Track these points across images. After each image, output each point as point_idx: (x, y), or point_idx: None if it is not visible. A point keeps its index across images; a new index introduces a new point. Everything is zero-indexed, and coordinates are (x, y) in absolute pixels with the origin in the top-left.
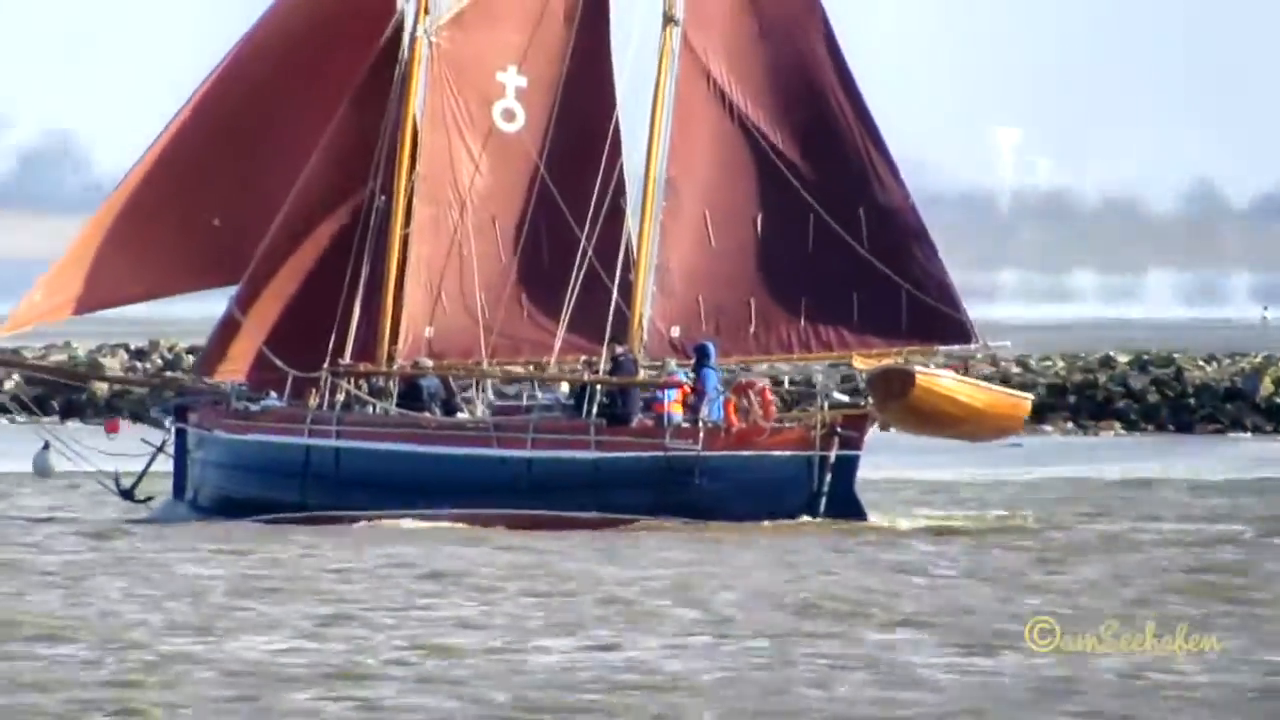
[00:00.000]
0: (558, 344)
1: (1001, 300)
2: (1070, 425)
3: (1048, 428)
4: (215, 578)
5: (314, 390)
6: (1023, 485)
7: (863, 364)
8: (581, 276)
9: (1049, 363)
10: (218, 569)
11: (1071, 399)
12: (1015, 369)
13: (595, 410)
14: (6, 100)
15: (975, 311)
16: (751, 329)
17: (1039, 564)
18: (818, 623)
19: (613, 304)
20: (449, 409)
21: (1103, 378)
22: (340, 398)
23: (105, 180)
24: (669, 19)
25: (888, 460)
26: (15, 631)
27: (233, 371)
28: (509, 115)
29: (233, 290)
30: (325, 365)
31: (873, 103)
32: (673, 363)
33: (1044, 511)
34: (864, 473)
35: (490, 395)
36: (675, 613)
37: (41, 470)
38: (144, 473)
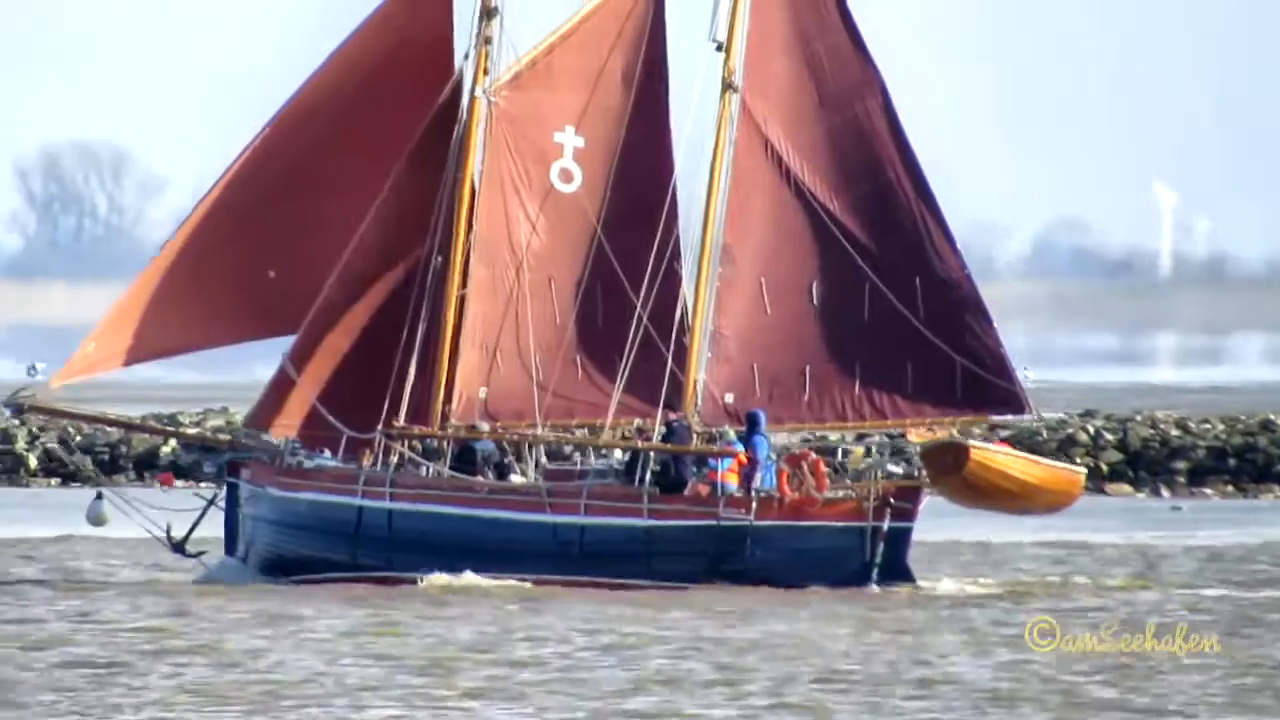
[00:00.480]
0: (613, 406)
1: (1159, 363)
2: (1230, 489)
3: (1208, 490)
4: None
5: (368, 449)
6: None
7: (917, 438)
8: (637, 340)
9: (1208, 425)
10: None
11: (1231, 462)
12: (1174, 431)
13: (648, 477)
14: (165, 160)
15: (1134, 374)
16: (805, 396)
17: None
18: None
19: (668, 368)
20: (502, 472)
21: (1263, 441)
22: (394, 458)
23: None
24: (728, 85)
25: (1060, 522)
26: None
27: (285, 428)
28: (566, 176)
29: (285, 341)
30: (380, 426)
31: (1025, 160)
32: (730, 430)
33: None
34: (1049, 535)
35: (543, 458)
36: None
37: (95, 520)
38: (194, 526)
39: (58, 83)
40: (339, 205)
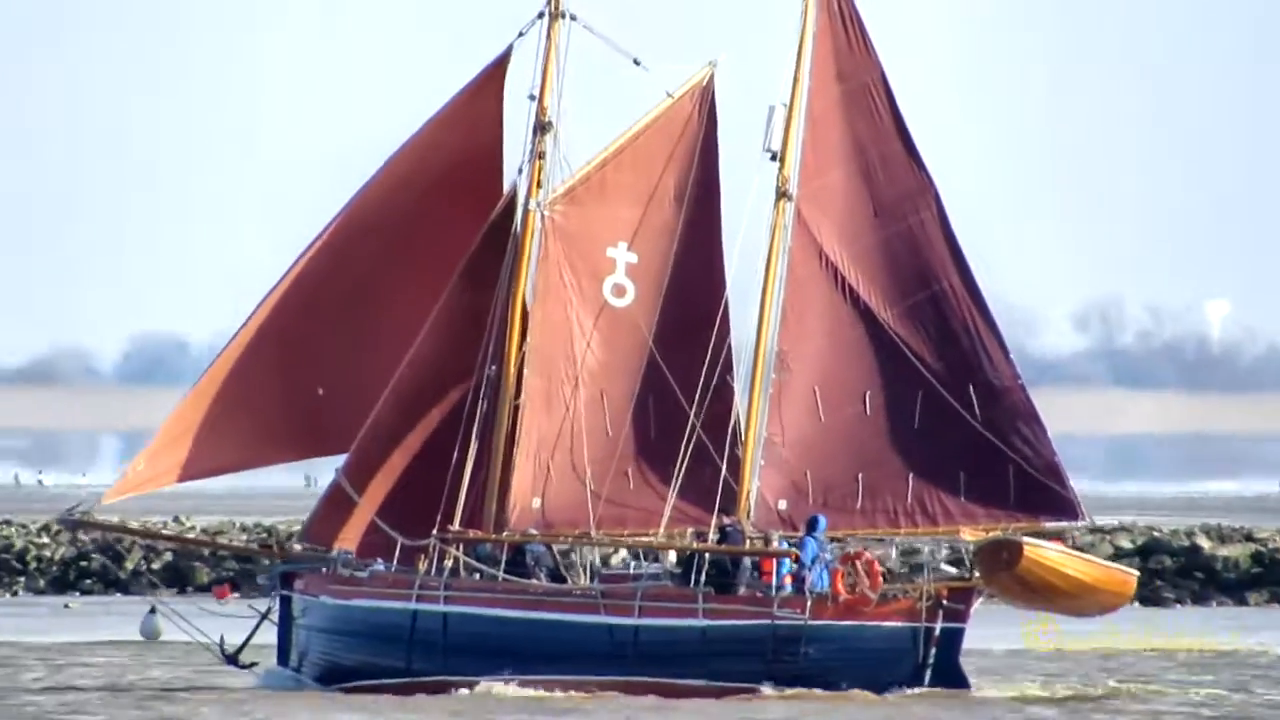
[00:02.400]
0: (667, 512)
1: None
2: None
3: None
4: None
5: (422, 557)
6: None
7: (971, 535)
8: (690, 449)
9: None
10: None
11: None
12: None
13: (703, 579)
14: None
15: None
16: (858, 503)
17: None
18: None
19: (721, 479)
20: (555, 577)
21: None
22: (448, 564)
23: None
24: (782, 194)
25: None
26: None
27: (340, 540)
28: (619, 290)
29: (336, 460)
30: (434, 532)
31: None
32: (776, 535)
33: None
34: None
35: (598, 562)
36: None
37: (148, 633)
38: (249, 638)
39: None
40: (388, 323)
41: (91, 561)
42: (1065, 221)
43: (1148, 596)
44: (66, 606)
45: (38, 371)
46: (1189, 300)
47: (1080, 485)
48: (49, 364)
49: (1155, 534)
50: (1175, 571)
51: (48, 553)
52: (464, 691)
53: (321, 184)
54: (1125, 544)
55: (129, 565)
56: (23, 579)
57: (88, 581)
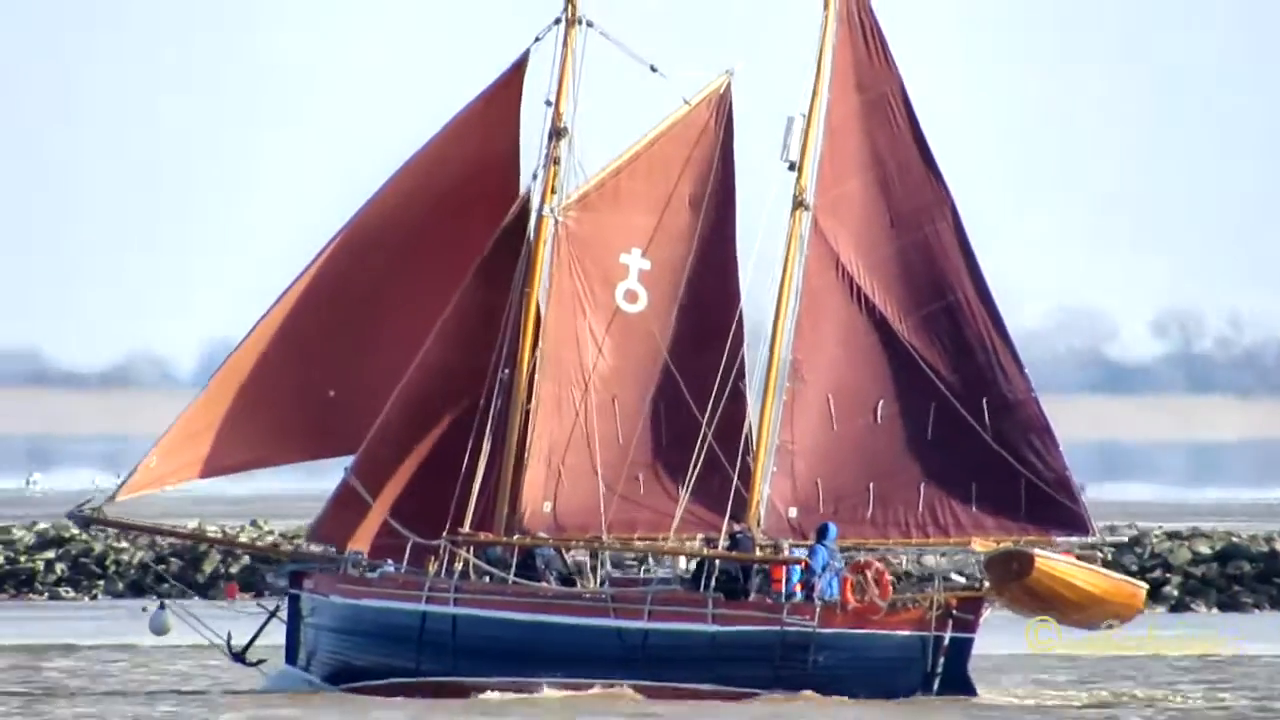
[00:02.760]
0: (678, 516)
1: None
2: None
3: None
4: None
5: (432, 558)
6: None
7: (982, 546)
8: (702, 455)
9: None
10: None
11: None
12: None
13: (713, 585)
14: None
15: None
16: (869, 512)
17: None
18: None
19: (733, 486)
20: (565, 581)
21: None
22: (459, 565)
23: None
24: (799, 203)
25: None
26: None
27: (349, 540)
28: (632, 297)
29: (345, 460)
30: (445, 534)
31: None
32: (786, 543)
33: None
34: None
35: (609, 567)
36: None
37: (157, 629)
38: (255, 636)
39: None
40: (400, 326)
41: (170, 565)
42: (1144, 229)
43: (1226, 602)
44: (144, 610)
45: (115, 377)
46: (1269, 306)
47: (1159, 491)
48: (125, 369)
49: (1234, 539)
50: (1254, 577)
51: (125, 556)
52: (492, 695)
53: (338, 188)
54: (1204, 550)
55: (206, 569)
56: (102, 582)
57: (165, 585)
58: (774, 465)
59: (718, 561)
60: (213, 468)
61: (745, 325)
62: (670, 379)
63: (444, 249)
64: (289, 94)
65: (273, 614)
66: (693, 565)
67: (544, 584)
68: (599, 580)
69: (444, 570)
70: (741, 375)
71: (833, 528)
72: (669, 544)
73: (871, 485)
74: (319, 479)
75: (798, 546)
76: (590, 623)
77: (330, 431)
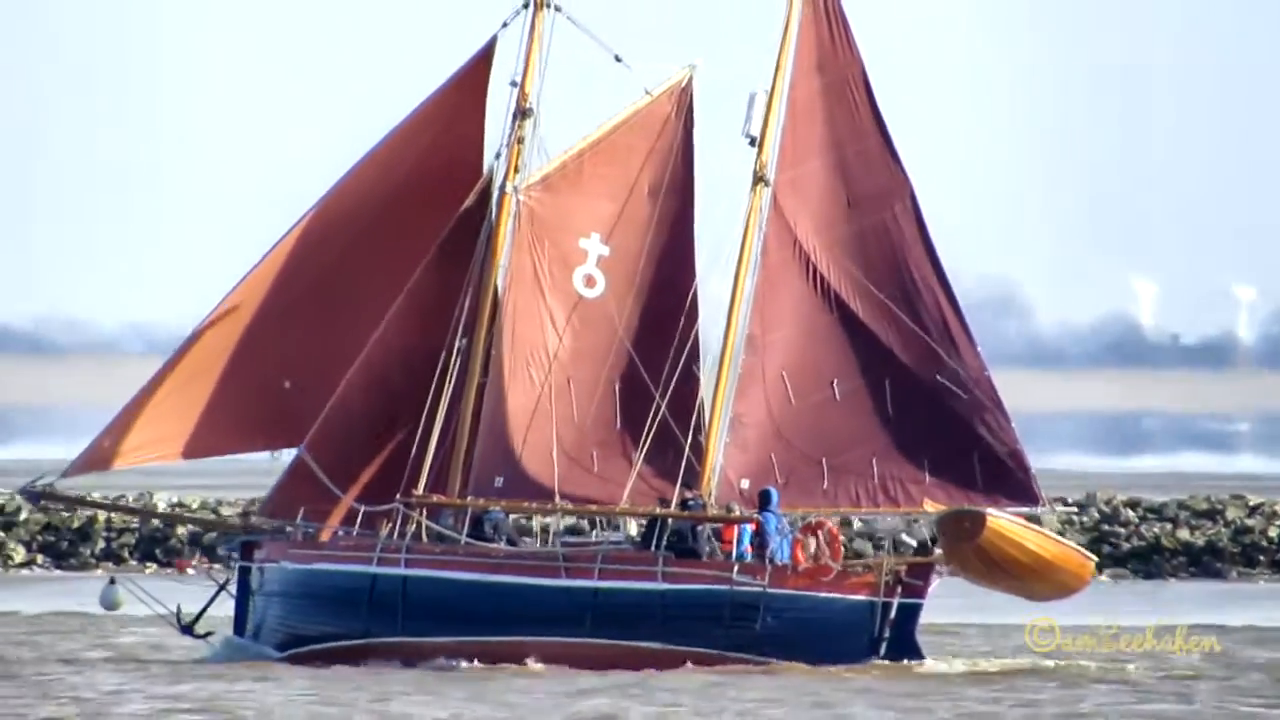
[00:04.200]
0: (628, 488)
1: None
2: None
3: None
4: None
5: (384, 521)
6: None
7: (934, 508)
8: (653, 438)
9: None
10: None
11: None
12: None
13: (664, 544)
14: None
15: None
16: (823, 485)
17: None
18: None
19: (683, 462)
20: (513, 543)
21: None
22: (410, 528)
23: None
24: (759, 179)
25: None
26: None
27: (299, 513)
28: (589, 281)
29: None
30: (398, 496)
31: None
32: (737, 507)
33: None
34: None
35: (560, 532)
36: None
37: (108, 604)
38: (205, 609)
39: None
40: (357, 317)
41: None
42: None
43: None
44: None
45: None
46: None
47: None
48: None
49: None
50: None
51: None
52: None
53: (303, 175)
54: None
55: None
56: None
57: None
58: (727, 437)
59: (669, 523)
60: (165, 452)
61: (701, 305)
62: (625, 363)
63: (405, 237)
64: (254, 82)
65: (222, 586)
66: (641, 532)
67: (495, 545)
68: (550, 541)
69: (396, 534)
70: (695, 358)
71: (775, 492)
72: (621, 507)
73: (824, 459)
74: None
75: (746, 518)
76: (541, 582)
77: (285, 421)
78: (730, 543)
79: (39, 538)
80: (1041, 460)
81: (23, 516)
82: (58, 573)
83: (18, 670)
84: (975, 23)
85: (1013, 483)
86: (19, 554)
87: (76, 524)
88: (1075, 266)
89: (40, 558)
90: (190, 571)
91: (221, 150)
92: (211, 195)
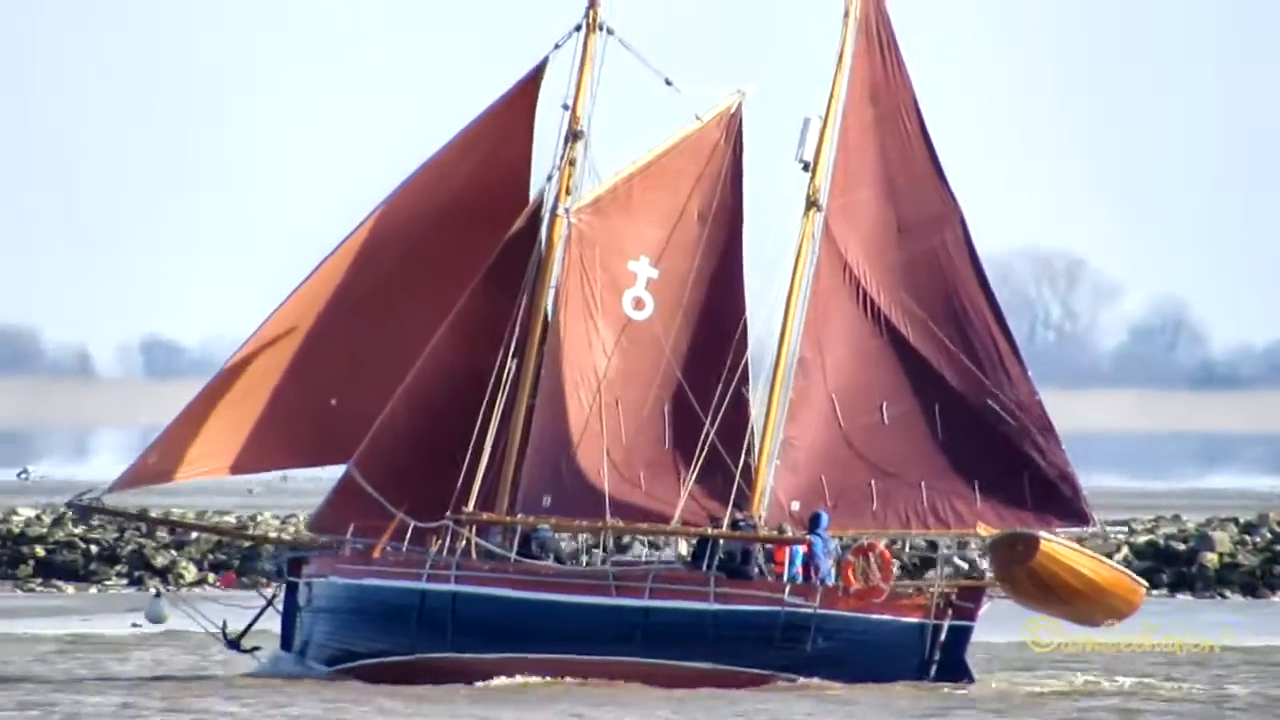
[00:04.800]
0: (678, 512)
1: None
2: None
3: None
4: None
5: (434, 538)
6: None
7: (986, 531)
8: (703, 461)
9: None
10: None
11: None
12: None
13: (715, 564)
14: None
15: None
16: (873, 507)
17: None
18: None
19: (734, 487)
20: (561, 561)
21: None
22: (460, 545)
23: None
24: (812, 203)
25: None
26: None
27: (351, 529)
28: (638, 304)
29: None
30: (448, 513)
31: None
32: (789, 527)
33: None
34: None
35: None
36: None
37: (154, 617)
38: (251, 624)
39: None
40: (404, 336)
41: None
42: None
43: None
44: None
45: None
46: None
47: None
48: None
49: None
50: None
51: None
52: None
53: (353, 194)
54: None
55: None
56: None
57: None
58: (778, 459)
59: (720, 544)
60: (208, 470)
61: (751, 328)
62: (674, 385)
63: (452, 256)
64: (304, 98)
65: (270, 602)
66: (692, 553)
67: (545, 563)
68: (600, 560)
69: (445, 550)
70: (745, 382)
71: (824, 515)
72: (671, 526)
73: (874, 482)
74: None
75: (797, 539)
76: (591, 600)
77: (331, 439)
78: (783, 564)
79: (210, 556)
80: (1207, 481)
81: (193, 535)
82: (230, 591)
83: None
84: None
85: (1063, 504)
86: (190, 572)
87: (248, 542)
88: (1245, 285)
89: (211, 576)
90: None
91: (271, 168)
92: (259, 214)
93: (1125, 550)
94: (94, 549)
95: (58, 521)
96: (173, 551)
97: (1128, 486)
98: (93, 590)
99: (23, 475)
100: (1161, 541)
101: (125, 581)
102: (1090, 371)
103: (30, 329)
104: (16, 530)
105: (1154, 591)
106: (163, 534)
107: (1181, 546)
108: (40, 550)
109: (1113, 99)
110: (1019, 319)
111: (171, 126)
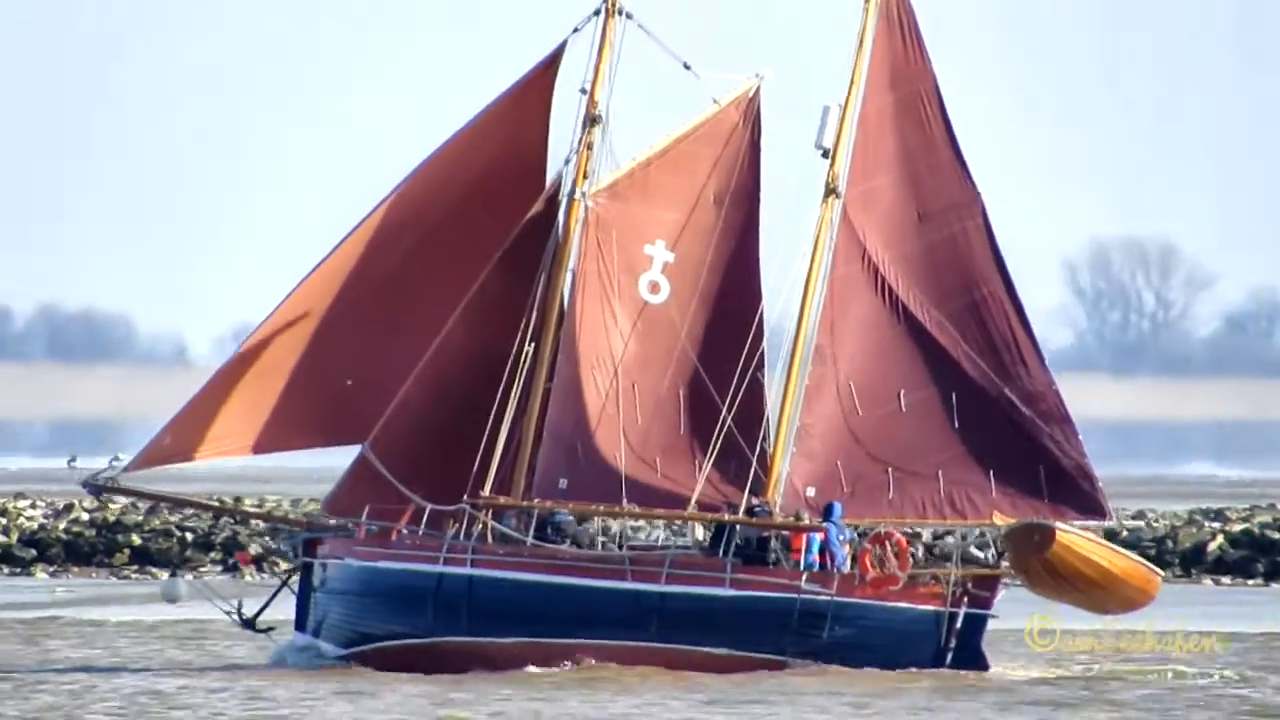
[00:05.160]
0: (696, 493)
1: None
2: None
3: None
4: None
5: (450, 522)
6: None
7: (1002, 520)
8: (720, 438)
9: None
10: None
11: None
12: None
13: (732, 551)
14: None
15: None
16: (888, 495)
17: None
18: None
19: (751, 471)
20: (578, 545)
21: None
22: (476, 529)
23: None
24: (831, 190)
25: None
26: None
27: (364, 511)
28: (654, 288)
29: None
30: (465, 497)
31: None
32: (806, 514)
33: None
34: None
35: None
36: None
37: (170, 596)
38: (267, 603)
39: None
40: (419, 317)
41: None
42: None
43: None
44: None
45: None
46: None
47: None
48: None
49: None
50: None
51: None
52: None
53: (370, 177)
54: None
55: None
56: None
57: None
58: (793, 446)
59: (737, 531)
60: (223, 450)
61: (768, 315)
62: (690, 369)
63: (468, 238)
64: (323, 80)
65: (285, 582)
66: (709, 537)
67: (562, 547)
68: (616, 544)
69: (462, 534)
70: (760, 367)
71: (838, 506)
72: (688, 512)
73: (890, 470)
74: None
75: (814, 526)
76: (607, 585)
77: (346, 419)
78: (799, 551)
79: None
80: None
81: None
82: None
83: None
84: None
85: (1080, 496)
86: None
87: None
88: None
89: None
90: (246, 568)
91: (289, 148)
92: (277, 196)
93: (1220, 539)
94: (189, 536)
95: (153, 510)
96: (267, 539)
97: (1223, 475)
98: (188, 577)
99: (72, 464)
100: (1257, 530)
101: (219, 568)
102: (1185, 360)
103: (125, 317)
104: (112, 518)
105: (1249, 581)
106: (256, 524)
107: (1277, 535)
108: (136, 538)
109: (1209, 84)
110: (1113, 308)
111: (273, 121)
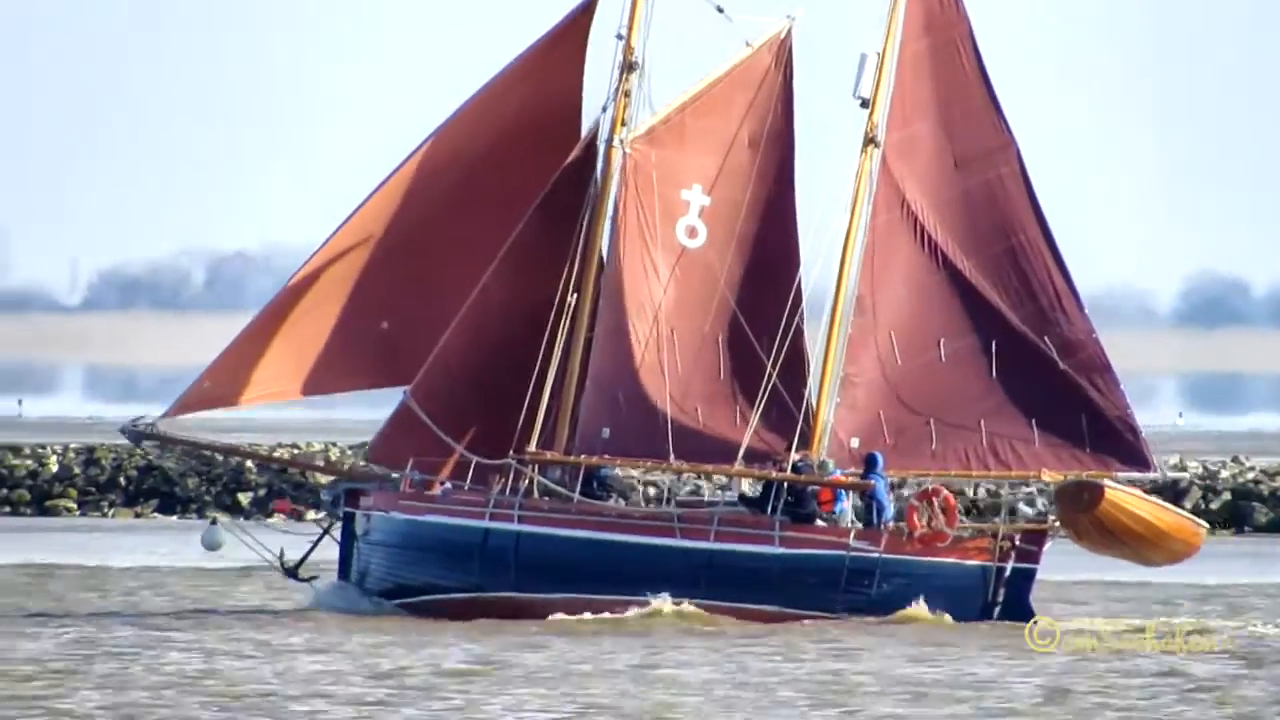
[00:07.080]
0: (744, 445)
1: None
2: None
3: None
4: None
5: (496, 477)
6: None
7: (1051, 477)
8: (769, 388)
9: None
10: None
11: None
12: None
13: (780, 508)
14: None
15: None
16: (931, 446)
17: None
18: None
19: (797, 419)
20: (626, 500)
21: None
22: (523, 484)
23: None
24: (870, 140)
25: None
26: None
27: (407, 461)
28: (691, 232)
29: (398, 391)
30: (511, 453)
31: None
32: (831, 464)
33: None
34: None
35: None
36: None
37: (210, 545)
38: (309, 553)
39: None
40: (454, 261)
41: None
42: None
43: None
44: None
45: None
46: None
47: None
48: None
49: None
50: None
51: None
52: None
53: (406, 123)
54: None
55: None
56: None
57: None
58: (837, 397)
59: (784, 487)
60: (263, 395)
61: (809, 267)
62: (729, 314)
63: (504, 184)
64: (357, 27)
65: (326, 531)
66: (756, 490)
67: (609, 504)
68: (664, 500)
69: (508, 489)
70: (799, 310)
71: (879, 457)
72: (736, 468)
73: (933, 420)
74: (379, 407)
75: (851, 473)
76: (655, 542)
77: (383, 362)
78: (828, 503)
79: None
80: None
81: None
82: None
83: None
84: None
85: (1124, 446)
86: None
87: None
88: None
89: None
90: (280, 518)
91: (327, 96)
92: (313, 140)
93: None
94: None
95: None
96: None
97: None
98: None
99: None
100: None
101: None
102: None
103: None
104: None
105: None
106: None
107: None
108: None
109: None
110: None
111: (228, 59)
